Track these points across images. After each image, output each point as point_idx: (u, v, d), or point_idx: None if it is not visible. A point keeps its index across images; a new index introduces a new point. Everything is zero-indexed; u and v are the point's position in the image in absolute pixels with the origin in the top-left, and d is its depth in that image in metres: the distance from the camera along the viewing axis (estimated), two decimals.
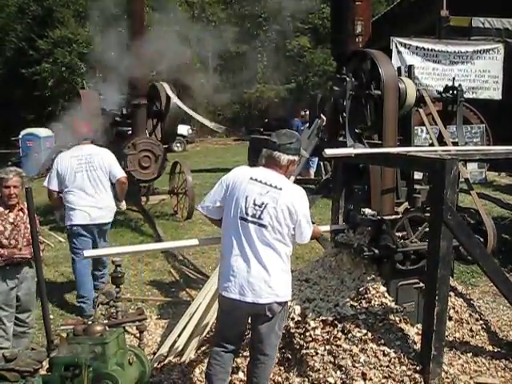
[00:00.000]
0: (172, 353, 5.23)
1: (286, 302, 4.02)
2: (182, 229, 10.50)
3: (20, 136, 22.72)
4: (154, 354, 5.39)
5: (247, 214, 3.83)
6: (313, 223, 4.10)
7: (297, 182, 11.82)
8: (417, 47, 13.30)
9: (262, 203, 3.82)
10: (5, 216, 4.95)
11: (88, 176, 6.54)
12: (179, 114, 11.29)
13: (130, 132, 10.94)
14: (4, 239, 4.88)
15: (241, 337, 4.19)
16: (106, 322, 3.80)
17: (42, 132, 20.45)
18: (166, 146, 11.12)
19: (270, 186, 3.86)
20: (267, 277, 3.83)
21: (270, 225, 3.81)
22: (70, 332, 3.59)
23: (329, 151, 4.24)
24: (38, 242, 3.49)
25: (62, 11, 31.49)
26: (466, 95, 13.35)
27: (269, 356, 4.09)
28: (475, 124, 12.74)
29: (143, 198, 11.92)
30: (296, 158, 4.01)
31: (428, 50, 13.31)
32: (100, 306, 3.89)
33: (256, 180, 3.89)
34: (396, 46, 13.20)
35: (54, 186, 6.54)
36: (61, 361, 3.24)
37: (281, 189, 3.86)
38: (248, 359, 4.30)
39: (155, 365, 5.09)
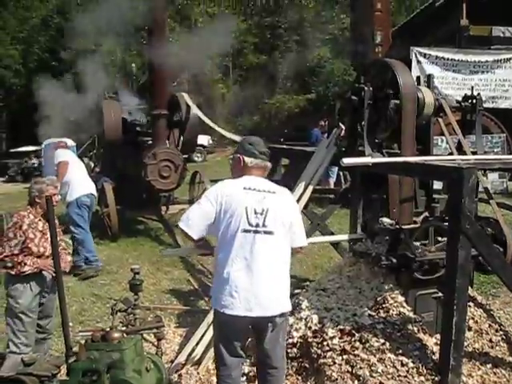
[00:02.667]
0: (190, 361, 5.23)
1: (287, 312, 3.91)
2: None
3: (43, 145, 22.97)
4: (172, 362, 5.40)
5: (250, 224, 3.71)
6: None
7: (316, 191, 11.87)
8: (436, 57, 13.27)
9: (263, 210, 3.74)
10: (35, 224, 5.06)
11: None
12: (199, 124, 11.33)
13: (151, 142, 11.00)
14: (34, 246, 4.99)
15: (244, 347, 3.99)
16: (124, 329, 3.81)
17: (64, 141, 20.62)
18: (186, 156, 11.18)
19: (264, 191, 3.81)
20: (274, 288, 3.74)
21: (275, 229, 3.74)
22: (88, 338, 3.64)
23: (346, 160, 4.24)
24: (58, 250, 3.53)
25: (84, 23, 31.83)
26: (487, 105, 13.36)
27: (278, 368, 3.96)
28: (496, 134, 12.65)
29: (163, 208, 11.96)
30: None
31: (448, 59, 13.27)
32: (118, 313, 3.91)
33: (250, 189, 3.80)
34: (416, 56, 13.19)
35: None
36: (79, 366, 3.27)
37: (274, 192, 3.83)
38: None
39: (173, 373, 5.11)
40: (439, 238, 4.80)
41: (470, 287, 5.49)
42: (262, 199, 3.77)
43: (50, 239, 5.03)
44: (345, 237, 4.83)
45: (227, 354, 3.86)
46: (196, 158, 26.36)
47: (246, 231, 3.71)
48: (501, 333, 5.03)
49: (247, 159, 3.88)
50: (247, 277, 3.70)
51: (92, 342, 3.58)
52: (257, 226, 3.72)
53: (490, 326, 5.05)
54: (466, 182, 3.89)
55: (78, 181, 8.67)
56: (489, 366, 4.70)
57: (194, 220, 3.79)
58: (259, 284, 3.70)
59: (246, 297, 3.68)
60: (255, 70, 34.27)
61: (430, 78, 5.30)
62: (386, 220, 4.69)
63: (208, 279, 8.08)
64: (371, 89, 4.85)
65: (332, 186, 13.68)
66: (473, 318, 5.00)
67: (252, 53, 35.15)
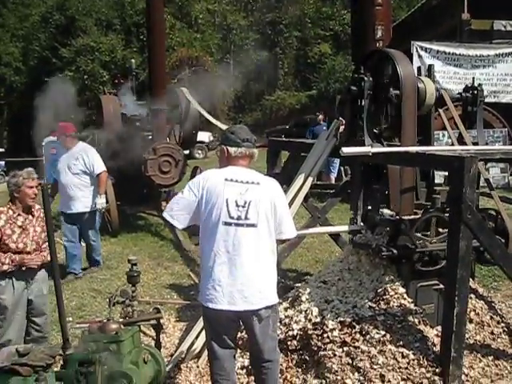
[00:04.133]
0: (189, 355, 5.20)
1: (275, 304, 3.85)
2: None
3: (43, 143, 22.91)
4: (172, 355, 5.38)
5: (231, 217, 3.64)
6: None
7: (317, 187, 11.80)
8: (438, 51, 13.19)
9: (245, 202, 3.66)
10: (13, 219, 4.96)
11: None
12: (199, 119, 11.29)
13: (151, 137, 10.97)
14: (12, 243, 4.87)
15: (235, 339, 3.98)
16: (121, 320, 3.78)
17: None
18: (187, 152, 11.15)
19: (247, 182, 3.71)
20: (258, 281, 3.67)
21: (258, 222, 3.66)
22: (85, 330, 3.60)
23: (346, 149, 4.20)
24: (53, 240, 3.48)
25: (84, 20, 31.91)
26: (488, 99, 13.31)
27: (272, 361, 3.93)
28: (497, 128, 12.58)
29: (163, 203, 11.93)
30: None
31: (449, 53, 13.20)
32: (116, 305, 3.87)
33: (232, 180, 3.70)
34: (417, 50, 13.12)
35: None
36: (75, 357, 3.24)
37: (259, 183, 3.74)
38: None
39: (172, 366, 5.08)
40: (440, 230, 4.74)
41: (471, 279, 5.48)
42: (244, 191, 3.68)
43: (31, 234, 5.01)
44: (345, 228, 4.79)
45: (217, 347, 3.84)
46: (197, 155, 26.35)
47: (226, 224, 3.65)
48: (502, 325, 4.99)
49: (230, 149, 3.78)
50: (230, 271, 3.65)
51: (89, 334, 3.55)
52: (238, 218, 3.65)
53: (491, 318, 5.01)
54: (467, 171, 3.85)
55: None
56: (490, 358, 4.66)
57: (178, 210, 3.77)
58: (242, 278, 3.65)
59: (229, 291, 3.64)
60: (256, 67, 34.16)
61: (430, 68, 5.24)
62: (386, 211, 4.65)
63: None
64: (371, 79, 4.80)
65: (333, 182, 13.64)
66: (474, 310, 4.96)
67: (253, 49, 35.06)
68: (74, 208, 8.01)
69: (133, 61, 18.55)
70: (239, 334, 4.21)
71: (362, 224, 4.89)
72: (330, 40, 34.54)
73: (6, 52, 33.73)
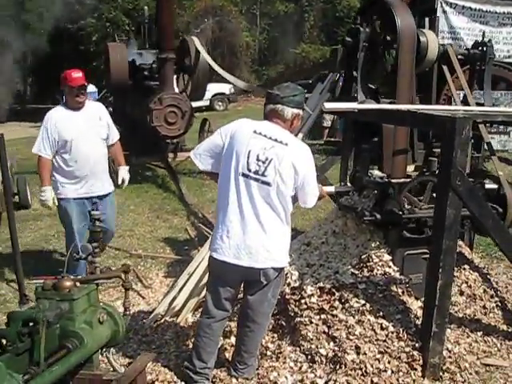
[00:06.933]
0: (169, 313, 5.05)
1: (282, 268, 3.73)
2: (207, 186, 10.29)
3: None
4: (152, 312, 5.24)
5: (249, 170, 3.52)
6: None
7: (328, 143, 11.44)
8: (463, 7, 12.50)
9: (267, 159, 3.50)
10: None
11: None
12: (209, 70, 10.94)
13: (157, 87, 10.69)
14: None
15: (232, 302, 3.90)
16: (79, 277, 3.58)
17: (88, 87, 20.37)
18: (207, 104, 10.80)
19: (275, 140, 3.54)
20: (266, 239, 3.55)
21: (274, 182, 3.50)
22: (38, 286, 3.42)
23: (328, 105, 3.89)
24: (10, 186, 3.27)
25: None
26: None
27: (260, 324, 3.84)
28: None
29: (171, 155, 11.74)
30: (300, 111, 3.67)
31: (475, 10, 12.51)
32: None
33: (260, 134, 3.56)
34: (441, 5, 12.45)
35: None
36: (18, 316, 3.05)
37: (286, 144, 3.54)
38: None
39: (149, 323, 4.94)
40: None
41: (469, 249, 5.18)
42: (269, 147, 3.52)
43: None
44: (331, 188, 4.49)
45: (212, 305, 3.79)
46: (217, 107, 25.99)
47: (244, 175, 3.54)
48: (496, 299, 4.72)
49: (267, 105, 3.66)
50: (240, 224, 3.55)
51: (42, 290, 3.36)
52: (255, 173, 3.52)
53: (484, 291, 4.73)
54: (459, 133, 3.51)
55: None
56: (479, 333, 4.42)
57: (203, 151, 3.73)
58: (251, 233, 3.54)
59: (236, 244, 3.56)
60: (282, 19, 33.38)
61: (435, 19, 4.84)
62: (376, 172, 4.35)
63: (206, 229, 7.87)
64: (367, 30, 4.44)
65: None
66: (466, 282, 4.70)
67: (279, 0, 34.20)
68: (103, 189, 5.76)
69: (146, 8, 18.07)
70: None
71: (349, 185, 4.60)
72: None
73: None
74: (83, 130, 5.52)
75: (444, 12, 12.39)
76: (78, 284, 3.41)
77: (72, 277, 3.44)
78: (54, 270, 4.09)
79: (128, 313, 3.99)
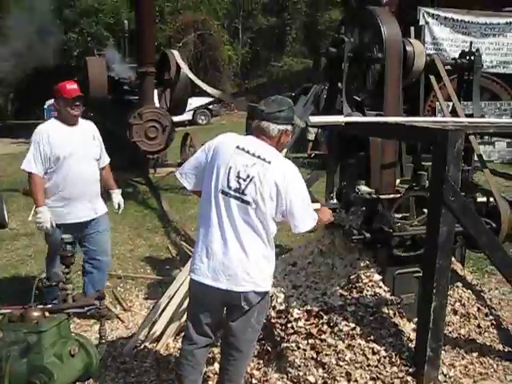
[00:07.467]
0: (148, 338, 4.81)
1: (266, 293, 3.48)
2: (189, 202, 10.06)
3: (45, 106, 22.47)
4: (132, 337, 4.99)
5: (229, 187, 3.30)
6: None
7: (315, 157, 11.24)
8: (445, 18, 12.51)
9: (248, 176, 3.28)
10: None
11: None
12: (189, 84, 10.75)
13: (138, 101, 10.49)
14: None
15: (215, 328, 3.64)
16: (48, 306, 3.32)
17: None
18: (191, 118, 10.64)
19: (258, 157, 3.31)
20: (246, 261, 3.31)
21: (253, 202, 3.26)
22: (5, 317, 3.17)
23: (314, 119, 3.68)
24: None
25: None
26: (497, 70, 12.70)
27: (243, 352, 3.56)
28: (505, 100, 11.95)
29: (151, 170, 11.51)
30: (288, 127, 3.43)
31: (458, 21, 12.53)
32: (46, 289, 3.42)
33: (243, 150, 3.33)
34: (424, 17, 12.46)
35: None
36: None
37: (270, 162, 3.30)
38: None
39: (128, 350, 4.70)
40: (425, 210, 4.24)
41: (461, 265, 4.99)
42: (251, 164, 3.29)
43: None
44: (317, 206, 4.27)
45: (193, 329, 3.57)
46: (200, 121, 25.79)
47: (223, 193, 3.32)
48: (491, 317, 4.52)
49: (253, 120, 3.48)
50: (220, 244, 3.34)
51: (8, 322, 3.12)
52: (236, 191, 3.29)
53: (478, 309, 4.54)
54: (451, 146, 3.32)
55: None
56: (475, 354, 4.22)
57: (188, 169, 3.55)
58: (230, 254, 3.31)
59: (214, 265, 3.34)
60: (264, 32, 33.41)
61: (420, 29, 4.68)
62: (363, 188, 4.15)
63: (188, 247, 7.63)
64: (352, 39, 4.26)
65: None
66: (460, 301, 4.50)
67: (261, 14, 34.26)
68: (98, 211, 5.32)
69: (126, 21, 17.88)
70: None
71: (336, 201, 4.39)
72: (340, 6, 33.51)
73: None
74: (78, 148, 5.05)
75: (426, 23, 12.39)
76: (47, 314, 3.18)
77: (41, 306, 3.20)
78: (28, 295, 3.85)
79: (104, 341, 3.76)
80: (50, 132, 5.03)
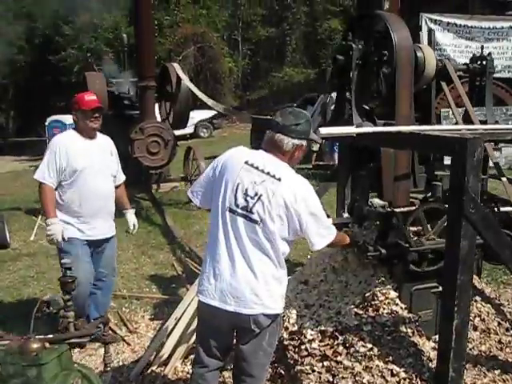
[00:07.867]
0: (156, 361, 4.63)
1: (277, 315, 3.30)
2: (194, 218, 9.92)
3: (46, 123, 22.41)
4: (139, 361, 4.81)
5: (237, 205, 3.14)
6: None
7: (318, 167, 11.12)
8: (448, 23, 12.41)
9: (256, 194, 3.11)
10: None
11: None
12: (191, 97, 10.63)
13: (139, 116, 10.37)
14: None
15: (226, 351, 3.48)
16: (49, 336, 3.14)
17: (68, 119, 20.02)
18: (192, 131, 10.53)
19: (268, 174, 3.13)
20: (254, 282, 3.15)
21: (261, 221, 3.09)
22: (2, 350, 2.99)
23: (324, 130, 3.50)
24: None
25: None
26: (502, 74, 12.54)
27: (255, 378, 3.38)
28: (511, 105, 11.79)
29: (154, 186, 11.36)
30: (304, 142, 3.24)
31: (461, 26, 12.42)
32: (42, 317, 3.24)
33: (252, 165, 3.17)
34: (426, 23, 12.33)
35: None
36: None
37: (279, 179, 3.12)
38: None
39: (134, 375, 4.52)
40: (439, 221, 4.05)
41: (477, 277, 4.80)
42: (259, 182, 3.13)
43: None
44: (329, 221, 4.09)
45: (203, 352, 3.42)
46: (202, 134, 25.67)
47: (231, 211, 3.17)
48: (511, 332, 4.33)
49: (267, 131, 3.27)
50: (227, 264, 3.18)
51: (5, 355, 2.94)
52: (243, 209, 3.13)
53: (499, 324, 4.35)
54: (471, 155, 3.14)
55: None
56: (497, 372, 4.02)
57: (198, 187, 3.43)
58: (238, 275, 3.16)
59: (221, 286, 3.18)
60: (264, 43, 33.39)
61: (431, 33, 4.52)
62: (377, 201, 3.97)
63: (193, 264, 7.45)
64: (360, 46, 4.09)
65: (336, 162, 12.94)
66: (479, 316, 4.31)
67: (261, 25, 34.24)
68: (113, 228, 5.17)
69: (124, 36, 17.82)
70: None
71: (348, 216, 4.21)
72: (339, 16, 33.50)
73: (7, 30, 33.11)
74: (95, 162, 4.84)
75: (429, 29, 12.23)
76: (47, 345, 3.00)
77: (40, 336, 3.02)
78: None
79: (109, 368, 3.60)
80: (67, 143, 4.85)
